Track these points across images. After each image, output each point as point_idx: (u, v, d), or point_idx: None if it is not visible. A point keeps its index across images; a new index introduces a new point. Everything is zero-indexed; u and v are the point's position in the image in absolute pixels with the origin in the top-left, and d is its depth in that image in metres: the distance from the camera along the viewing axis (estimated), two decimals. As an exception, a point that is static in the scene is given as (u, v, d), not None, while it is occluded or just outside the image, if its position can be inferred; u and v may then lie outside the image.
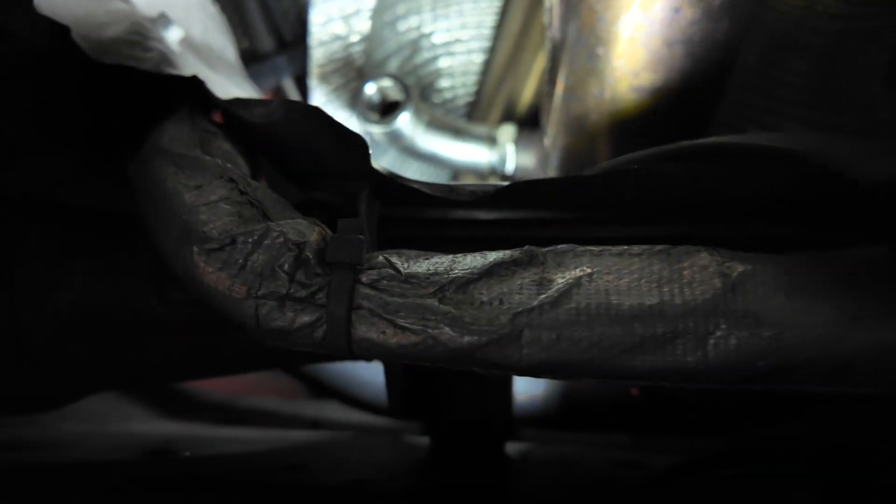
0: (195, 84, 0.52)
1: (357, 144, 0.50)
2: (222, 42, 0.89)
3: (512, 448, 0.76)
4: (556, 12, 0.73)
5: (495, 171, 1.00)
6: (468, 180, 1.16)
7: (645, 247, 0.43)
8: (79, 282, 0.58)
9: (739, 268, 0.40)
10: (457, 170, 1.06)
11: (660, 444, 0.87)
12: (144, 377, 0.66)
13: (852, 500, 0.48)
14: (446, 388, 0.68)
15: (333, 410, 1.03)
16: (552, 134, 0.89)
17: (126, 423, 0.87)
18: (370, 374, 0.97)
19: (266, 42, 1.03)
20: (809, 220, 0.49)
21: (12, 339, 0.56)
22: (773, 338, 0.39)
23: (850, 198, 0.42)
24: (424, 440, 0.76)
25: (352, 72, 1.00)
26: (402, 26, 1.02)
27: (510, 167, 0.98)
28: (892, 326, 0.37)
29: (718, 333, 0.39)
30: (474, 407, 0.68)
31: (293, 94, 1.08)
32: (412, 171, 1.12)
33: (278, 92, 1.09)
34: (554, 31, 0.75)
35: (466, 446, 0.73)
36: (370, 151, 0.49)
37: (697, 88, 0.73)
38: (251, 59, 1.03)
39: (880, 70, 0.89)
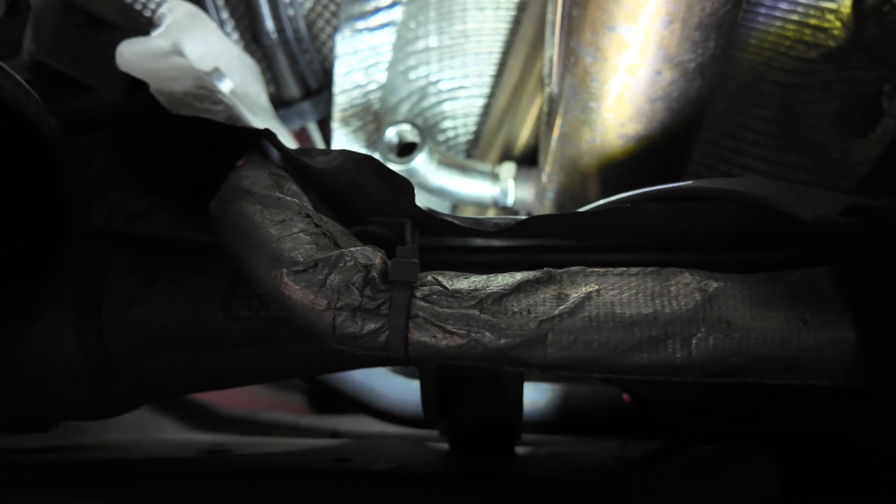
0: (268, 135, 0.62)
1: (404, 187, 0.61)
2: (257, 89, 1.00)
3: (518, 450, 0.86)
4: (556, 71, 0.85)
5: (497, 204, 1.12)
6: (469, 211, 1.28)
7: (640, 268, 0.54)
8: (156, 301, 0.67)
9: (714, 284, 0.51)
10: (462, 202, 1.17)
11: (644, 447, 0.98)
12: (209, 384, 0.74)
13: (806, 477, 0.60)
14: (466, 398, 0.78)
15: (348, 422, 1.12)
16: (548, 172, 1.01)
17: (164, 433, 0.95)
18: (386, 386, 1.06)
19: (293, 89, 1.15)
20: (764, 247, 0.60)
21: (96, 351, 0.65)
22: (741, 339, 0.49)
23: (792, 230, 0.53)
24: (442, 445, 0.85)
25: (369, 115, 1.12)
26: (413, 75, 1.14)
27: (510, 201, 1.10)
28: (826, 331, 0.48)
29: (699, 335, 0.49)
30: (491, 414, 0.77)
31: (316, 136, 1.20)
32: (420, 200, 1.23)
33: (303, 133, 1.20)
34: (553, 86, 0.87)
35: (482, 448, 0.82)
36: (415, 192, 0.60)
37: (674, 136, 0.85)
38: (279, 105, 1.14)
39: (831, 117, 1.02)
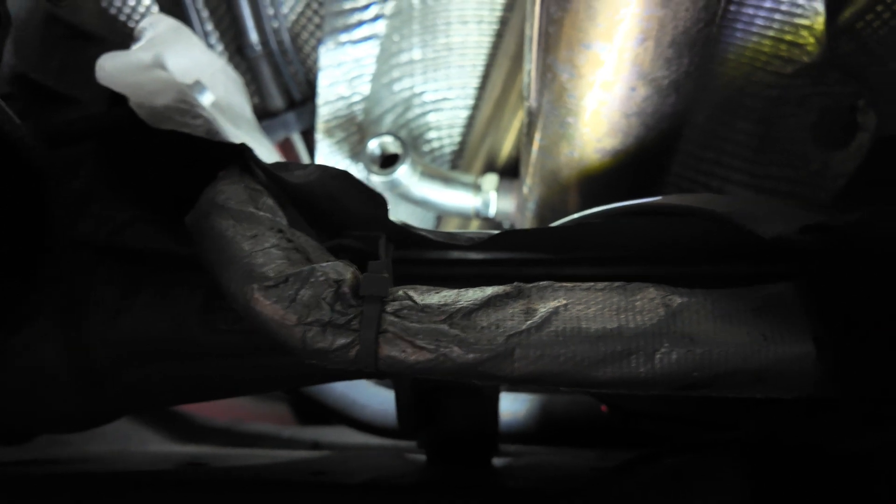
0: (244, 150, 0.63)
1: (378, 202, 0.61)
2: (241, 101, 1.01)
3: (496, 462, 0.87)
4: (534, 87, 0.86)
5: (479, 215, 1.13)
6: (453, 222, 1.29)
7: (607, 283, 0.54)
8: (141, 312, 0.67)
9: (678, 300, 0.52)
10: (444, 213, 1.18)
11: (623, 457, 0.99)
12: (189, 395, 0.74)
13: (778, 484, 0.61)
14: (442, 409, 0.78)
15: (329, 434, 1.12)
16: (529, 184, 1.02)
17: (145, 445, 0.95)
18: (367, 398, 1.07)
19: (277, 101, 1.16)
20: (738, 261, 0.61)
21: (82, 361, 0.65)
22: (704, 354, 0.50)
23: (766, 244, 0.54)
24: (420, 456, 0.86)
25: (353, 127, 1.13)
26: (397, 87, 1.15)
27: (492, 212, 1.11)
28: (788, 346, 0.49)
29: (663, 350, 0.50)
30: (467, 424, 0.78)
31: (300, 147, 1.21)
32: (402, 211, 1.24)
33: (287, 144, 1.21)
34: (531, 101, 0.89)
35: (459, 459, 0.83)
36: (388, 207, 0.61)
37: (651, 150, 0.86)
38: (264, 116, 1.15)
39: (809, 130, 1.03)
